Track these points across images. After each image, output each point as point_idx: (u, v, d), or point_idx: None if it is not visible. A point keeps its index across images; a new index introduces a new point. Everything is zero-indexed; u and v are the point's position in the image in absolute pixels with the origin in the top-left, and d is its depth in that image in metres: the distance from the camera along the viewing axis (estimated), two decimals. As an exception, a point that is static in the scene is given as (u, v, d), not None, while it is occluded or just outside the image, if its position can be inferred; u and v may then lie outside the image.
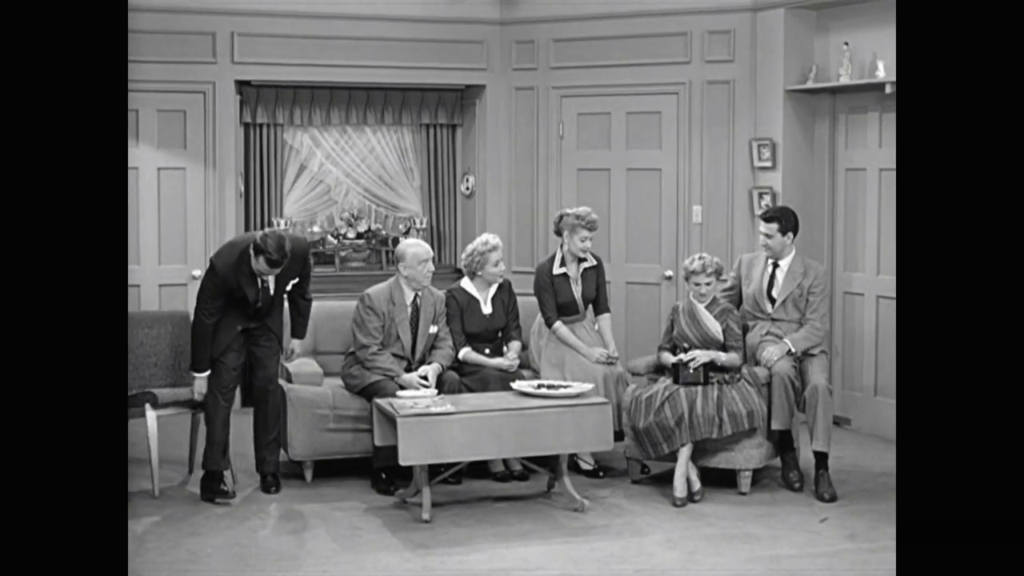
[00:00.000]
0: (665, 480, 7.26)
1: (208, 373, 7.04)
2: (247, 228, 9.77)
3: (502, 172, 9.95)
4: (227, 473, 7.13)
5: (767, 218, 7.43)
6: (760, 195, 8.99)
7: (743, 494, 7.11)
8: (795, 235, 7.41)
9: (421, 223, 10.16)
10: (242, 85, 9.56)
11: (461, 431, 6.60)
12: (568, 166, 9.71)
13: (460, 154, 10.33)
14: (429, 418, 6.56)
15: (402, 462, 6.56)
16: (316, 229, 10.16)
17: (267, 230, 7.24)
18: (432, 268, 7.46)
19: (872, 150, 8.63)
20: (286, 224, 9.81)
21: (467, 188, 10.17)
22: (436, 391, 7.09)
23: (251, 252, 6.88)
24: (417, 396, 6.92)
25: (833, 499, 6.97)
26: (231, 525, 6.55)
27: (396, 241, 10.11)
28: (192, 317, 7.09)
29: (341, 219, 10.07)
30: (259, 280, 6.99)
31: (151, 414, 7.08)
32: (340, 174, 10.20)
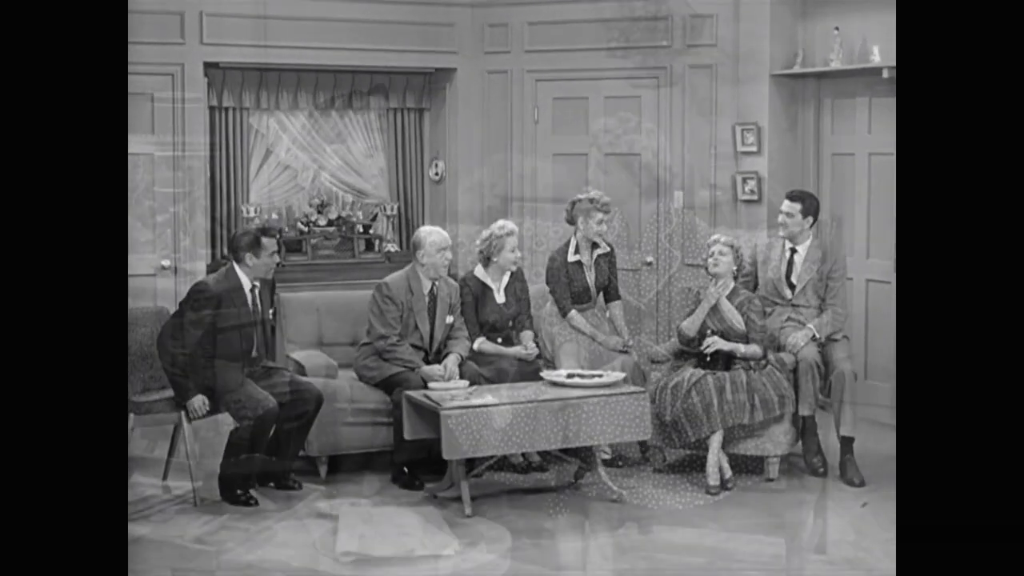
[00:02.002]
0: (685, 467, 7.19)
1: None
2: (213, 215, 9.40)
3: (473, 157, 9.74)
4: None
5: (792, 197, 7.40)
6: (744, 180, 8.97)
7: (771, 480, 7.07)
8: (814, 221, 7.40)
9: (391, 209, 9.90)
10: (208, 67, 9.18)
11: (504, 422, 6.42)
12: (543, 151, 9.56)
13: (428, 139, 10.09)
14: (473, 410, 6.37)
15: (446, 456, 6.36)
16: (275, 216, 9.78)
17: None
18: (450, 256, 7.25)
19: (861, 135, 8.67)
20: (254, 211, 9.45)
21: (436, 174, 9.95)
22: (468, 382, 6.88)
23: (248, 248, 6.71)
24: (451, 388, 6.71)
25: (862, 484, 6.97)
26: (269, 527, 6.27)
27: (367, 228, 9.84)
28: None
29: (311, 205, 9.74)
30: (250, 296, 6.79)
31: (187, 425, 6.67)
32: (307, 159, 9.87)
